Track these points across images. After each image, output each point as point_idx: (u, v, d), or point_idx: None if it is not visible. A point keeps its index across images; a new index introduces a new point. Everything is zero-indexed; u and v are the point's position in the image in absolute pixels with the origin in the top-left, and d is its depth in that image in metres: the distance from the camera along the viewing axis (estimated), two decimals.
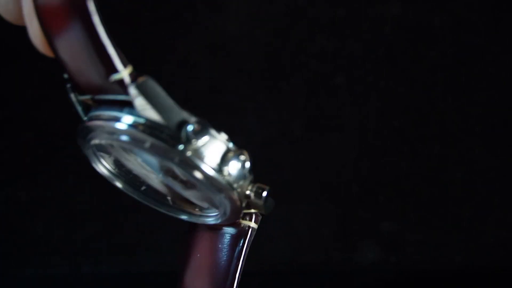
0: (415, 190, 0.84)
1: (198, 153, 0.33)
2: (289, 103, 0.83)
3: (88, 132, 0.36)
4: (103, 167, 0.40)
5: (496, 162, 0.83)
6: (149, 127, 0.33)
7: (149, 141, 0.33)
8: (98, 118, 0.35)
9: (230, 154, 0.34)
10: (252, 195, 0.36)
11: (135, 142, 0.33)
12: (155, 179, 0.39)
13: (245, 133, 0.83)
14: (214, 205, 0.38)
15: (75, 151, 0.89)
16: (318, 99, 0.83)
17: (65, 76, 0.36)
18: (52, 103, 0.85)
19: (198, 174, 0.34)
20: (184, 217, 0.40)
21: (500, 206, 0.84)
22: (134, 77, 0.33)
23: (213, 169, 0.34)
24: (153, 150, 0.33)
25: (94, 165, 0.40)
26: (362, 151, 0.84)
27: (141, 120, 0.33)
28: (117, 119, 0.34)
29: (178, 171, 0.36)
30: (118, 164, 0.40)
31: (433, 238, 0.84)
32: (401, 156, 0.84)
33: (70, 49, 0.34)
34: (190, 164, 0.33)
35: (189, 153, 0.33)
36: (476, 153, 0.83)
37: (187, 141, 0.33)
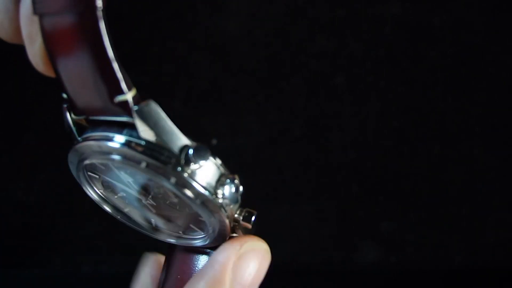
0: (415, 190, 0.84)
1: (194, 175, 0.35)
2: (289, 103, 0.83)
3: (82, 152, 0.37)
4: (93, 191, 0.40)
5: (496, 162, 0.83)
6: (148, 148, 0.34)
7: (146, 161, 0.34)
8: (94, 138, 0.36)
9: (224, 178, 0.36)
10: (241, 219, 0.37)
11: (133, 162, 0.35)
12: (141, 202, 0.40)
13: (245, 133, 0.83)
14: (201, 228, 0.38)
15: None
16: (318, 99, 0.83)
17: (64, 95, 0.37)
18: (52, 103, 0.85)
19: (192, 195, 0.35)
20: (171, 240, 0.41)
21: (500, 206, 0.84)
22: (137, 99, 0.34)
23: (208, 190, 0.35)
24: (149, 170, 0.34)
25: (84, 188, 0.40)
26: (362, 151, 0.84)
27: (141, 142, 0.34)
28: (116, 140, 0.35)
29: (171, 192, 0.37)
30: (105, 185, 0.40)
31: (433, 238, 0.84)
32: (401, 156, 0.84)
33: (75, 70, 0.35)
34: (186, 185, 0.34)
35: (185, 175, 0.34)
36: (476, 153, 0.83)
37: (186, 164, 0.34)
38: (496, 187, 0.84)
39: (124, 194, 0.40)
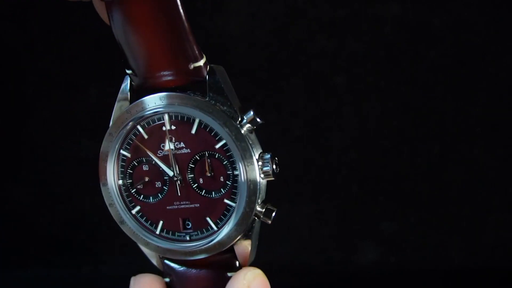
0: (415, 190, 0.84)
1: (248, 136, 0.39)
2: (289, 103, 0.83)
3: (142, 105, 0.39)
4: (115, 175, 0.41)
5: (496, 162, 0.83)
6: (213, 99, 0.39)
7: (211, 110, 0.38)
8: (158, 94, 0.40)
9: (266, 153, 0.40)
10: (263, 212, 0.39)
11: (202, 108, 0.38)
12: (167, 184, 0.41)
13: None
14: (217, 221, 0.39)
15: (75, 151, 0.89)
16: (318, 99, 0.83)
17: (128, 70, 0.40)
18: (52, 103, 0.85)
19: (240, 156, 0.38)
20: (172, 247, 0.41)
21: (500, 206, 0.84)
22: (207, 64, 0.39)
23: (255, 155, 0.39)
24: (211, 119, 0.38)
25: (107, 172, 0.40)
26: (362, 151, 0.84)
27: (207, 95, 0.39)
28: (181, 93, 0.39)
29: (210, 162, 0.39)
30: (128, 173, 0.40)
31: (433, 238, 0.84)
32: (401, 156, 0.84)
33: (152, 44, 0.38)
34: (240, 139, 0.38)
35: (242, 131, 0.38)
36: (476, 153, 0.83)
37: (242, 122, 0.38)
38: (496, 187, 0.84)
39: (147, 179, 0.41)
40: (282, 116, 0.84)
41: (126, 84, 0.40)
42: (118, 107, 0.40)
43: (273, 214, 0.39)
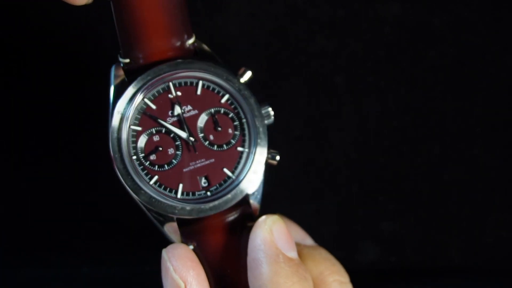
0: (415, 190, 0.84)
1: (248, 87, 0.44)
2: (289, 103, 0.83)
3: (150, 75, 0.43)
4: (125, 142, 0.43)
5: (496, 162, 0.83)
6: (213, 65, 0.44)
7: (214, 71, 0.43)
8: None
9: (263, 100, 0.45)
10: (269, 157, 0.45)
11: (205, 69, 0.43)
12: (182, 146, 0.44)
13: None
14: (233, 169, 0.43)
15: (75, 151, 0.89)
16: (318, 99, 0.83)
17: (126, 59, 0.43)
18: (52, 102, 0.85)
19: (246, 104, 0.43)
20: (195, 206, 0.43)
21: (500, 206, 0.84)
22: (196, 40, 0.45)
23: (259, 103, 0.44)
24: (218, 75, 0.43)
25: (120, 133, 0.43)
26: (362, 151, 0.84)
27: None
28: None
29: (217, 117, 0.43)
30: (140, 147, 0.44)
31: (433, 238, 0.85)
32: (401, 156, 0.84)
33: (152, 20, 0.42)
34: (243, 89, 0.44)
35: (242, 81, 0.44)
36: (476, 153, 0.83)
37: (239, 77, 0.45)
38: (496, 187, 0.84)
39: (161, 149, 0.44)
40: (282, 116, 0.84)
41: (118, 68, 0.42)
42: (116, 89, 0.42)
43: (278, 156, 0.45)
